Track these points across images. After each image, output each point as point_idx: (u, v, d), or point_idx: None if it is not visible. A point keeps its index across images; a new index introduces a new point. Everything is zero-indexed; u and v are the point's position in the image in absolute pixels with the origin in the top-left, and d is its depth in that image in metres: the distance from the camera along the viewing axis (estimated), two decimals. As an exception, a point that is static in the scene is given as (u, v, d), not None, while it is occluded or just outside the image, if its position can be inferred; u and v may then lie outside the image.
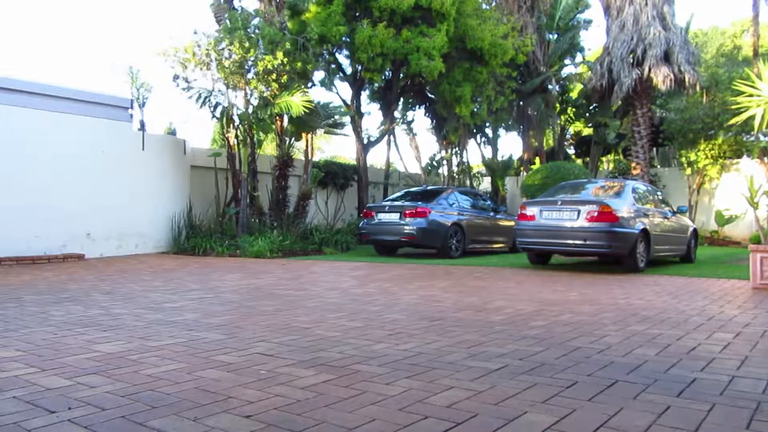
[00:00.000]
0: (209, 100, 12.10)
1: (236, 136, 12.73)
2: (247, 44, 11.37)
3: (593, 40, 61.55)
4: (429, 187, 13.46)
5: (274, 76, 11.92)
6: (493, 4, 17.70)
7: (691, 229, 10.29)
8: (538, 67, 17.86)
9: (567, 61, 19.54)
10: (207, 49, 11.59)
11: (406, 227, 10.79)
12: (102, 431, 2.10)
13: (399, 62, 14.39)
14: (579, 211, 8.28)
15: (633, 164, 16.39)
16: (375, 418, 2.23)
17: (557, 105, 18.74)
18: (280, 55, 11.57)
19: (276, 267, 9.10)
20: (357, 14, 14.43)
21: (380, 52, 13.38)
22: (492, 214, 12.36)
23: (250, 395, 2.51)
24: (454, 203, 11.52)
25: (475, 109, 15.75)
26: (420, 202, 11.20)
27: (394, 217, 11.05)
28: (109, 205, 10.96)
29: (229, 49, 11.48)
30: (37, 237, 9.87)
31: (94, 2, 47.03)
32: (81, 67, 44.51)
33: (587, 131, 20.40)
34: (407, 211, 10.86)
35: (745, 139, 15.14)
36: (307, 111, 11.81)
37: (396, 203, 11.61)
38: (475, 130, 19.07)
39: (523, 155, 19.41)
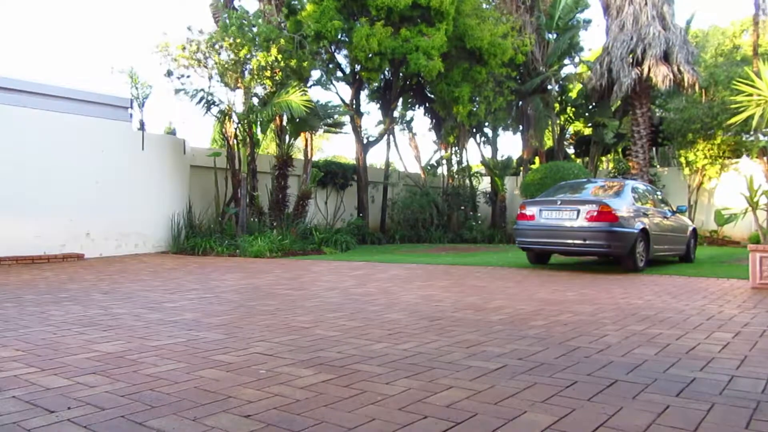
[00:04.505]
0: (204, 98, 12.09)
1: (235, 136, 12.73)
2: (239, 40, 11.36)
3: (593, 39, 61.56)
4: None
5: (268, 73, 11.91)
6: (493, 3, 17.68)
7: (690, 228, 10.29)
8: (538, 66, 17.85)
9: (566, 61, 19.52)
10: (198, 46, 11.59)
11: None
12: (101, 431, 2.10)
13: (398, 62, 14.38)
14: (578, 211, 8.28)
15: (632, 164, 16.40)
16: (374, 417, 2.24)
17: (556, 105, 18.73)
18: (274, 51, 11.56)
19: (275, 266, 9.09)
20: (354, 12, 14.43)
21: (378, 51, 13.37)
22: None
23: (249, 395, 2.51)
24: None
25: (474, 109, 15.75)
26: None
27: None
28: (108, 205, 10.95)
29: (222, 46, 11.48)
30: (37, 236, 9.86)
31: (94, 2, 47.02)
32: (81, 67, 44.51)
33: (587, 131, 20.40)
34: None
35: (744, 138, 15.14)
36: (306, 110, 11.80)
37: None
38: (474, 130, 19.06)
39: (523, 155, 19.40)
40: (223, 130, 12.87)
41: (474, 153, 50.19)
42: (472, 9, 14.94)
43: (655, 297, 5.78)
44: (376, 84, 17.09)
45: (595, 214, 8.09)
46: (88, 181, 10.65)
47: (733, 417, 2.26)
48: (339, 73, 16.18)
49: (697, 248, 11.16)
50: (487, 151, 19.87)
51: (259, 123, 12.28)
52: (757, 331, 4.05)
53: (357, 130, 16.34)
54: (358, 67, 15.34)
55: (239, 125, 12.56)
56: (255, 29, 11.74)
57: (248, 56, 11.61)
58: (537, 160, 19.39)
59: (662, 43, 15.28)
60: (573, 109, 19.33)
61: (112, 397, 2.48)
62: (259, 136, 13.56)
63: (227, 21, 11.87)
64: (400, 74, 15.68)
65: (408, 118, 19.91)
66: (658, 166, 18.92)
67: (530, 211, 8.83)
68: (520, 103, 18.38)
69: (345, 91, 17.38)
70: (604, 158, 21.22)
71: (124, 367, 2.98)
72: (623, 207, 8.30)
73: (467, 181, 18.88)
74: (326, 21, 13.06)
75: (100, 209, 10.81)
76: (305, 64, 12.81)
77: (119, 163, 11.22)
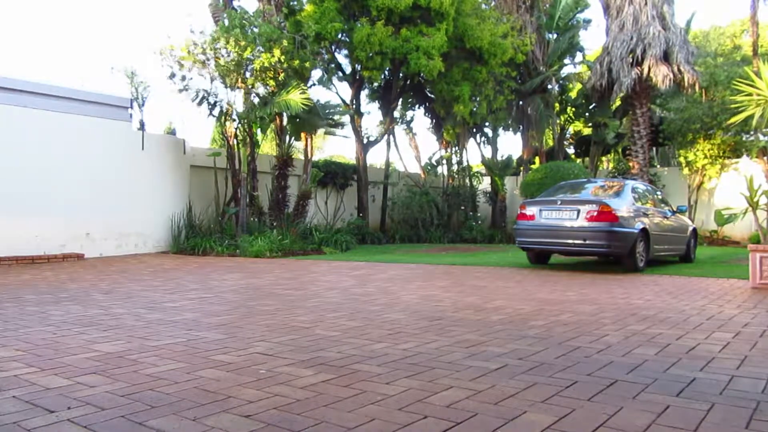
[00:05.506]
0: (207, 99, 12.09)
1: (235, 136, 12.73)
2: (243, 42, 11.36)
3: (593, 39, 61.59)
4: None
5: (271, 73, 11.91)
6: (492, 3, 17.69)
7: (690, 228, 10.29)
8: (538, 66, 17.85)
9: (566, 61, 19.53)
10: (203, 48, 11.59)
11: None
12: (102, 431, 2.10)
13: (398, 61, 14.39)
14: (578, 211, 8.28)
15: (632, 164, 16.40)
16: (374, 417, 2.24)
17: (557, 105, 18.73)
18: (277, 52, 11.56)
19: (276, 266, 9.09)
20: (355, 13, 14.44)
21: (379, 50, 13.39)
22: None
23: (249, 395, 2.51)
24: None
25: (474, 108, 15.75)
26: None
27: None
28: (108, 205, 10.96)
29: (226, 48, 11.48)
30: (37, 236, 9.86)
31: (93, 2, 47.03)
32: (81, 67, 44.49)
33: (587, 131, 20.40)
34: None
35: (744, 138, 15.14)
36: (306, 109, 11.80)
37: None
38: (474, 130, 19.07)
39: (523, 155, 19.40)
40: (224, 129, 12.87)
41: (474, 153, 50.31)
42: (472, 9, 14.95)
43: (656, 297, 5.77)
44: (377, 84, 17.10)
45: (595, 214, 8.08)
46: (88, 181, 10.65)
47: (734, 417, 2.26)
48: (339, 73, 16.18)
49: (697, 248, 11.16)
50: (487, 151, 19.90)
51: (259, 123, 12.27)
52: (757, 331, 4.05)
53: (357, 130, 16.34)
54: (358, 67, 15.35)
55: (239, 125, 12.56)
56: (256, 29, 11.73)
57: (251, 57, 11.60)
58: (537, 160, 19.39)
59: (662, 43, 15.29)
60: (573, 109, 19.33)
61: (112, 397, 2.48)
62: (260, 136, 13.56)
63: (226, 22, 11.86)
64: (401, 74, 15.69)
65: (408, 118, 19.92)
66: (658, 166, 18.93)
67: (530, 211, 8.83)
68: (521, 102, 18.37)
69: (345, 90, 17.41)
70: (604, 158, 21.22)
71: (124, 367, 2.98)
72: (623, 207, 8.30)
73: (467, 181, 18.88)
74: (326, 22, 13.07)
75: (100, 209, 10.81)
76: (307, 64, 12.80)
77: (119, 163, 11.23)
